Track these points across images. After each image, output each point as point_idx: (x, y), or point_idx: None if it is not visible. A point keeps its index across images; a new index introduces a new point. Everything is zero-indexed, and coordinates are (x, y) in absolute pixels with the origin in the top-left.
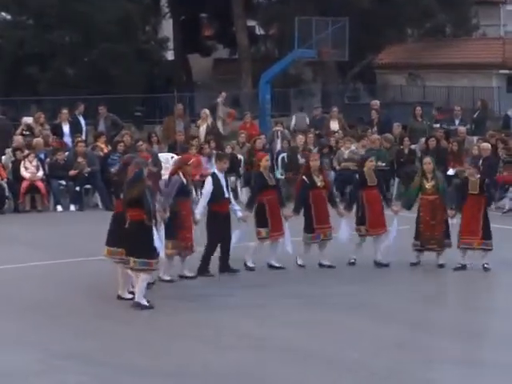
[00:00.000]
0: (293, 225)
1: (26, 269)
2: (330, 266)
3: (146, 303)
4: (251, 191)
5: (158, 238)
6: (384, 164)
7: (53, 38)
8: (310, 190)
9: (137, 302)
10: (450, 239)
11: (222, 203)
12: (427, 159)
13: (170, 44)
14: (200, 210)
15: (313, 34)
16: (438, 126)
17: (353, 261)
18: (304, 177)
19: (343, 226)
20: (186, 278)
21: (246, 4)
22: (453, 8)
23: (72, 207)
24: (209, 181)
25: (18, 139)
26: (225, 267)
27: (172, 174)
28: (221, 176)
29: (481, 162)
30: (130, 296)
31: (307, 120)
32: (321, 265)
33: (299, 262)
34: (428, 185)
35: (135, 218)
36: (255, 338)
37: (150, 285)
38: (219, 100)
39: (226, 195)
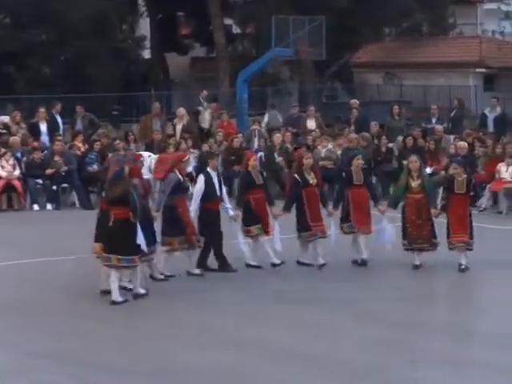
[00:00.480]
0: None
1: (1, 268)
2: (322, 265)
3: (142, 291)
4: (238, 190)
5: (142, 235)
6: (362, 163)
7: (29, 37)
8: (302, 189)
9: (135, 293)
10: (436, 239)
11: (214, 201)
12: (413, 158)
13: (147, 42)
14: (194, 207)
15: (290, 33)
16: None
17: (360, 261)
18: (296, 175)
19: (332, 225)
20: (194, 275)
21: (222, 3)
22: (430, 7)
23: (49, 206)
24: (201, 179)
25: None
26: (222, 265)
27: (168, 171)
28: (213, 174)
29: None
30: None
31: (279, 117)
32: (321, 265)
33: (274, 261)
34: (414, 183)
35: (119, 216)
36: (235, 337)
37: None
38: (201, 97)
39: (218, 193)
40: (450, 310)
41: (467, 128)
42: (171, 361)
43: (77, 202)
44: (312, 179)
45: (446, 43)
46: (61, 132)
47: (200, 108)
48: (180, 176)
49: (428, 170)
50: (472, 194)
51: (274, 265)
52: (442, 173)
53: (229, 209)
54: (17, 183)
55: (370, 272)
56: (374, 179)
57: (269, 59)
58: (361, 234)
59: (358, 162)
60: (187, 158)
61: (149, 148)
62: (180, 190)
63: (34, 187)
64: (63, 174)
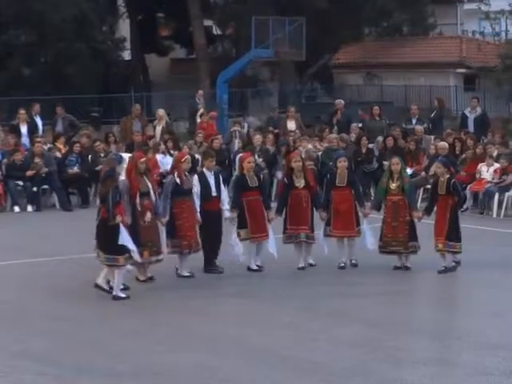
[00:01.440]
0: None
1: None
2: (311, 265)
3: (123, 295)
4: (233, 192)
5: (127, 236)
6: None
7: (9, 38)
8: (289, 191)
9: (115, 295)
10: (416, 241)
11: (211, 201)
12: (395, 159)
13: (127, 44)
14: (197, 209)
15: (270, 34)
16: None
17: (342, 265)
18: (285, 178)
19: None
20: (184, 277)
21: (202, 4)
22: (410, 7)
23: (29, 208)
24: (195, 180)
25: None
26: (210, 266)
27: (169, 173)
28: (209, 174)
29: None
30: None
31: (256, 121)
32: (310, 265)
33: (252, 266)
34: (393, 185)
35: (103, 216)
36: (210, 337)
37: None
38: (197, 98)
39: (215, 194)
40: (428, 310)
41: (448, 128)
42: (153, 361)
43: (57, 204)
44: (298, 182)
45: (426, 43)
46: (40, 133)
47: (199, 107)
48: (178, 178)
49: (408, 171)
50: (455, 195)
51: (249, 269)
52: (423, 173)
53: (225, 210)
54: None
55: (350, 274)
56: None
57: (249, 60)
58: (346, 238)
59: (341, 164)
60: (186, 157)
61: (129, 150)
62: (177, 193)
63: (15, 189)
64: (43, 175)
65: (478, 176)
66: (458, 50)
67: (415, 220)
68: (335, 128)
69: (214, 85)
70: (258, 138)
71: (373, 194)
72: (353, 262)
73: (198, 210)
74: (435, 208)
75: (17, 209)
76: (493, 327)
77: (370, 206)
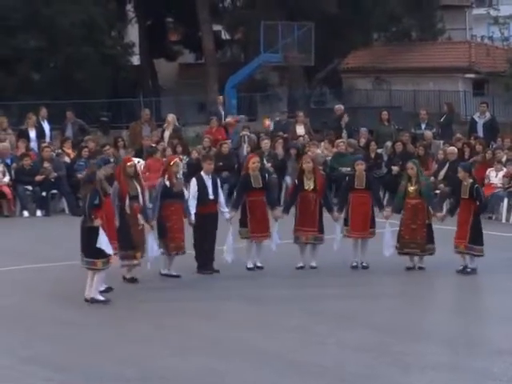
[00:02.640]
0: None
1: None
2: (312, 267)
3: (101, 298)
4: (236, 192)
5: (106, 240)
6: (349, 169)
7: (18, 43)
8: (299, 192)
9: (93, 297)
10: (433, 243)
11: (207, 204)
12: (410, 164)
13: (136, 49)
14: (191, 211)
15: (279, 39)
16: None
17: (355, 264)
18: (296, 180)
19: (337, 230)
20: (171, 276)
21: (211, 9)
22: (419, 12)
23: (38, 212)
24: (193, 183)
25: None
26: (204, 267)
27: (160, 176)
28: (206, 178)
29: (447, 166)
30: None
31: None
32: (312, 267)
33: (248, 265)
34: (411, 189)
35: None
36: (217, 341)
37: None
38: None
39: (211, 197)
40: (437, 315)
41: (457, 133)
42: (157, 366)
43: (66, 209)
44: (308, 185)
45: (435, 48)
46: (47, 138)
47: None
48: (167, 181)
49: None
50: (477, 199)
51: (248, 268)
52: (432, 179)
53: (225, 212)
54: (6, 190)
55: (357, 275)
56: None
57: (258, 65)
58: (361, 239)
59: (359, 167)
60: (175, 161)
61: (138, 154)
62: (166, 195)
63: (24, 194)
64: (52, 180)
65: (486, 181)
66: (466, 55)
67: (437, 221)
68: (344, 133)
69: (223, 90)
70: (266, 143)
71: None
72: (363, 264)
73: (193, 212)
74: (458, 211)
75: (26, 214)
76: (501, 333)
77: (390, 208)
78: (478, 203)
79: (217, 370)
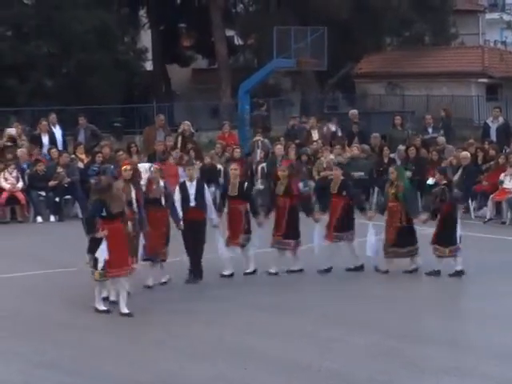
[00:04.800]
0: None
1: (5, 280)
2: (292, 271)
3: (104, 308)
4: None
5: (105, 253)
6: (362, 173)
7: (30, 49)
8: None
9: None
10: (414, 245)
11: (189, 211)
12: (391, 169)
13: (149, 54)
14: (178, 218)
15: (291, 44)
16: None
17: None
18: (273, 186)
19: (316, 233)
20: (149, 287)
21: (224, 14)
22: (432, 17)
23: (52, 218)
24: (176, 189)
25: None
26: (189, 274)
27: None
28: (189, 184)
29: (460, 170)
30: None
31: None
32: (292, 271)
33: (225, 272)
34: (390, 192)
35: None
36: (229, 347)
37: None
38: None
39: (193, 204)
40: (444, 318)
41: (470, 138)
42: (169, 371)
43: (79, 214)
44: (281, 191)
45: (448, 53)
46: (59, 143)
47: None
48: (144, 186)
49: (430, 181)
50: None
51: (222, 275)
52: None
53: (212, 218)
54: (20, 195)
55: (357, 280)
56: (375, 190)
57: (270, 70)
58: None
59: (337, 173)
60: (125, 167)
61: (151, 159)
62: (146, 201)
63: (37, 199)
64: (66, 185)
65: (500, 186)
66: (479, 60)
67: (420, 224)
68: (356, 138)
69: (236, 95)
70: (279, 148)
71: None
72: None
73: (180, 218)
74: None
75: (39, 219)
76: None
77: (372, 211)
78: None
79: (227, 375)
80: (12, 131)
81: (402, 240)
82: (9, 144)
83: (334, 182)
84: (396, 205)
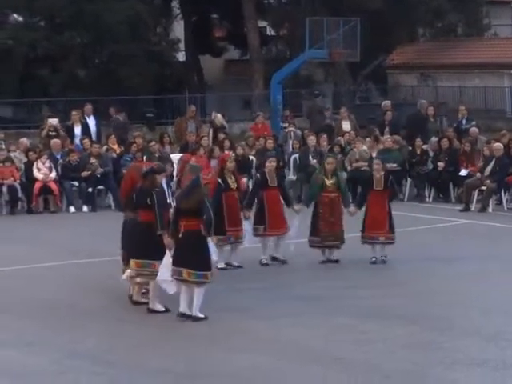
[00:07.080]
0: None
1: (39, 269)
2: (238, 267)
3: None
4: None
5: (214, 250)
6: (395, 165)
7: (63, 40)
8: (223, 192)
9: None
10: (394, 233)
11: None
12: (330, 159)
13: (181, 45)
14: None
15: (324, 35)
16: (285, 125)
17: (265, 262)
18: (219, 179)
19: (294, 222)
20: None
21: (256, 5)
22: (464, 8)
23: (85, 208)
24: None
25: (22, 141)
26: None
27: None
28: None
29: (493, 162)
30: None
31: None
32: (229, 264)
33: (218, 265)
34: (329, 182)
35: (190, 228)
36: (265, 339)
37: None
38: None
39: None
40: (478, 311)
41: (503, 129)
42: (204, 363)
43: (112, 204)
44: (232, 183)
45: (480, 44)
46: (93, 134)
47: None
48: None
49: (463, 172)
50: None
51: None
52: (478, 174)
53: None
54: (53, 185)
55: (387, 274)
56: (408, 181)
57: (303, 61)
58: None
59: (269, 165)
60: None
61: (183, 150)
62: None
63: (70, 189)
64: (99, 176)
65: None
66: None
67: (349, 215)
68: (387, 129)
69: (268, 86)
70: (311, 139)
71: (427, 196)
72: (279, 257)
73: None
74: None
75: (72, 209)
76: None
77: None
78: (389, 192)
79: (263, 367)
80: (54, 121)
81: (342, 231)
82: (53, 134)
83: (376, 178)
84: (337, 195)
